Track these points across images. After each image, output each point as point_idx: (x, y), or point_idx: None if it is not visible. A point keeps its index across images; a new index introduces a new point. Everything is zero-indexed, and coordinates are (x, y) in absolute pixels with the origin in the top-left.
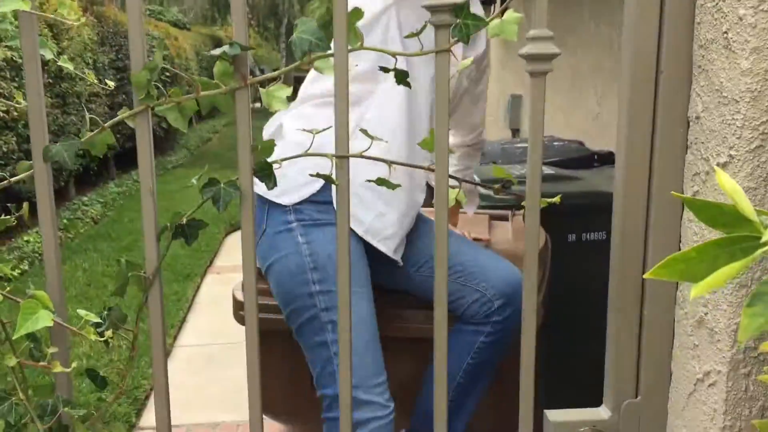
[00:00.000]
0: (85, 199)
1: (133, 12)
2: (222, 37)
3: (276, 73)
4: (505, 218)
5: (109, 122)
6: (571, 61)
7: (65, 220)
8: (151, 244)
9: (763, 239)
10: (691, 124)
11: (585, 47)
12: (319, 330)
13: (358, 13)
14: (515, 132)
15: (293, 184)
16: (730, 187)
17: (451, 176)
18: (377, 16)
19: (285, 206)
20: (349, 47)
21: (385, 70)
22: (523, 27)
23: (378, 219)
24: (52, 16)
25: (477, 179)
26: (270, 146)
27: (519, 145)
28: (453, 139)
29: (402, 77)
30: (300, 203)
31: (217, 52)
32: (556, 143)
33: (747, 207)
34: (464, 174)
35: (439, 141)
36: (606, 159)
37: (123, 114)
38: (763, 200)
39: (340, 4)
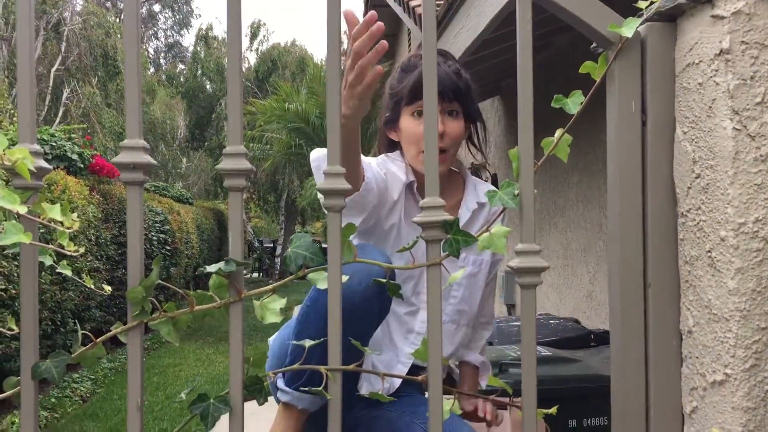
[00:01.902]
0: (75, 376)
1: (133, 230)
2: (223, 210)
3: (270, 287)
4: (503, 406)
5: (101, 338)
6: (562, 240)
7: (53, 399)
8: None
9: None
10: (684, 337)
11: (575, 227)
12: None
13: (351, 228)
14: (510, 307)
15: None
16: None
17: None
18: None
19: None
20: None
21: (377, 282)
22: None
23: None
24: (51, 247)
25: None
26: (263, 359)
27: (514, 323)
28: None
29: (395, 290)
30: None
31: (212, 268)
32: (551, 321)
33: None
34: (468, 348)
35: (432, 352)
36: (602, 339)
37: (116, 329)
38: (763, 421)
39: (334, 220)
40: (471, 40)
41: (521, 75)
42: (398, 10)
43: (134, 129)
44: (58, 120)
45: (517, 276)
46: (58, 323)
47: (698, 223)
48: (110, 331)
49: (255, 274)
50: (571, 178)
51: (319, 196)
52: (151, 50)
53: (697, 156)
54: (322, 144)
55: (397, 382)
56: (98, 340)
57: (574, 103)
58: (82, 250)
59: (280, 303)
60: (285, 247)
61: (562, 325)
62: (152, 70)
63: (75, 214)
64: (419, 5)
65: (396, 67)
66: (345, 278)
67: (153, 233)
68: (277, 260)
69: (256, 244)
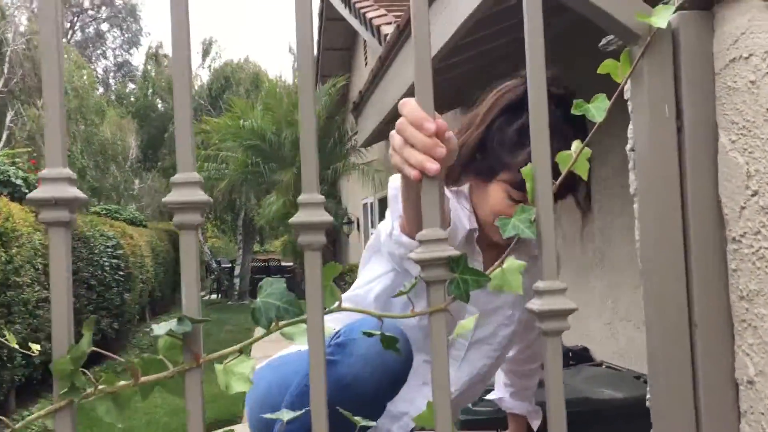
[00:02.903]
0: (26, 413)
1: (59, 283)
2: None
3: (237, 346)
4: None
5: (20, 424)
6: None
7: None
8: None
9: None
10: (742, 388)
11: None
12: None
13: (334, 268)
14: None
15: None
16: None
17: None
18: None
19: None
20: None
21: (368, 334)
22: None
23: None
24: None
25: None
26: None
27: None
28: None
29: (390, 343)
30: None
31: (162, 329)
32: None
33: None
34: (518, 398)
35: (441, 419)
36: (580, 356)
37: (40, 411)
38: None
39: (312, 260)
40: (441, 44)
41: (532, 72)
42: (354, 22)
43: (56, 156)
44: (1, 144)
45: (539, 320)
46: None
47: (758, 251)
48: None
49: (213, 296)
50: None
51: (386, 237)
52: (99, 70)
53: (752, 169)
54: (280, 161)
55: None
56: (16, 426)
57: (599, 108)
58: None
59: (248, 365)
60: (244, 267)
61: None
62: (101, 90)
63: None
64: (377, 17)
65: (499, 98)
66: (329, 330)
67: (105, 259)
68: (236, 281)
69: (214, 265)
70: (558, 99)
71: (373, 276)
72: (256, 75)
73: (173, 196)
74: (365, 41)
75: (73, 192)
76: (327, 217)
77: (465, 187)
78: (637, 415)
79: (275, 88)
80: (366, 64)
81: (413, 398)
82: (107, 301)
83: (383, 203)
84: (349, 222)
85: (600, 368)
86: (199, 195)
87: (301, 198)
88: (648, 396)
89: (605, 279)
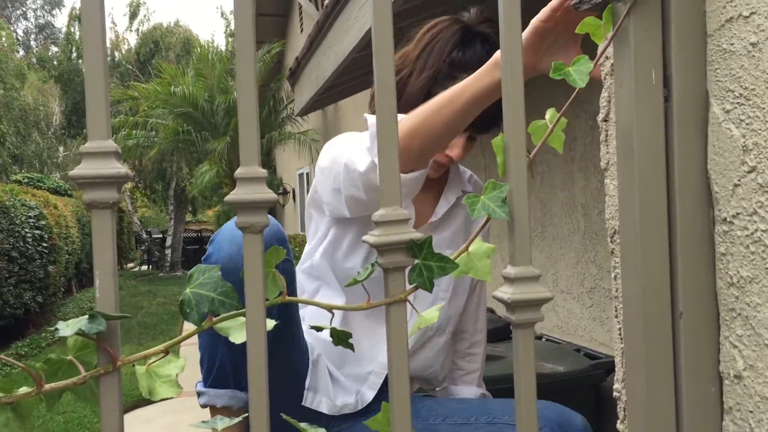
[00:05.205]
0: None
1: None
2: None
3: (161, 346)
4: None
5: None
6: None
7: None
8: None
9: None
10: (727, 383)
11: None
12: None
13: (277, 252)
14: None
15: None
16: None
17: None
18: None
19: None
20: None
21: (317, 329)
22: None
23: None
24: None
25: None
26: None
27: None
28: None
29: (341, 338)
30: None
31: (69, 329)
32: None
33: None
34: (462, 381)
35: (398, 420)
36: None
37: None
38: None
39: (252, 244)
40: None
41: (506, 36)
42: None
43: None
44: None
45: (510, 311)
46: None
47: (752, 233)
48: None
49: (144, 267)
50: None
51: (358, 173)
52: (19, 31)
53: (750, 142)
54: (213, 130)
55: (369, 395)
56: None
57: (580, 73)
58: None
59: (176, 366)
60: (175, 238)
61: None
62: (21, 52)
63: None
64: None
65: (437, 30)
66: (271, 324)
67: (27, 230)
68: (167, 252)
69: (144, 236)
70: (483, 38)
71: (317, 236)
72: (187, 39)
73: (83, 169)
74: (301, 6)
75: None
76: (270, 195)
77: None
78: (578, 388)
79: (207, 54)
80: (302, 30)
81: (375, 356)
82: (30, 274)
83: None
84: (284, 192)
85: (540, 341)
86: (115, 167)
87: (240, 171)
88: (616, 386)
89: (545, 251)
